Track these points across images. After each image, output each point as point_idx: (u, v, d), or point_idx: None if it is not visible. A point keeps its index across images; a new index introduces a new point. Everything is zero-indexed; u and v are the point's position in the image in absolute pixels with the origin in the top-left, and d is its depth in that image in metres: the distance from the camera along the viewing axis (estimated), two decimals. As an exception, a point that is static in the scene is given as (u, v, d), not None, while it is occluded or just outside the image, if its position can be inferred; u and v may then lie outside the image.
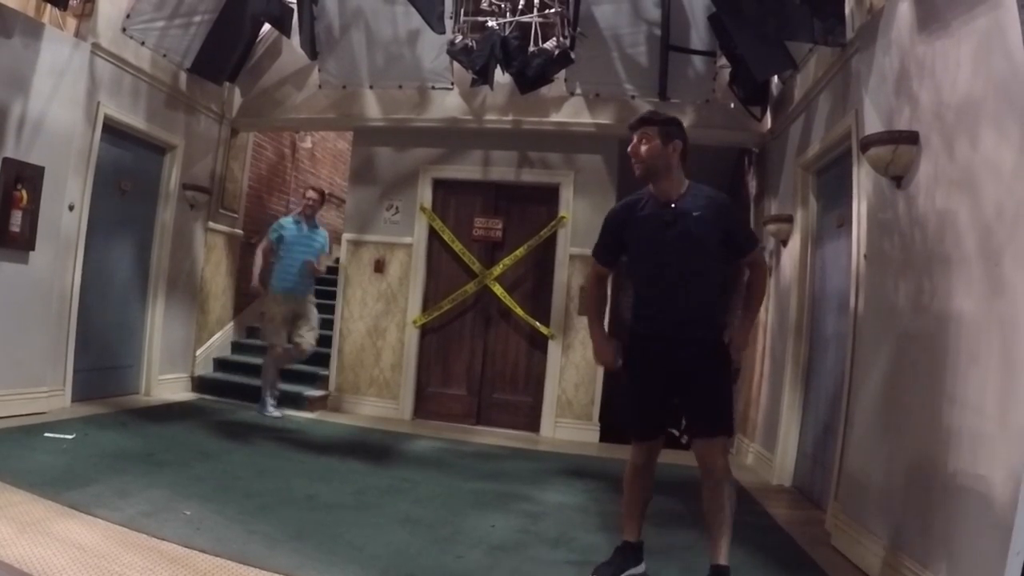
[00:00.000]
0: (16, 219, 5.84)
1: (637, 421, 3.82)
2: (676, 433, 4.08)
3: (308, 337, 7.66)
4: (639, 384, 3.77)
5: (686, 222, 3.59)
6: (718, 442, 3.60)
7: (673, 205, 3.65)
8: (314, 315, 7.79)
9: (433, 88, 8.04)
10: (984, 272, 3.20)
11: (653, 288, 3.72)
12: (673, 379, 3.65)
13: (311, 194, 7.92)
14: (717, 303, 3.74)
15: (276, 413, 7.68)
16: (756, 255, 3.85)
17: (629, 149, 3.73)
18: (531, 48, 6.82)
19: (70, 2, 6.14)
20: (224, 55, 7.75)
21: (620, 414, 3.99)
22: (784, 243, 6.76)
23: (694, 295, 3.63)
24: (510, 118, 8.17)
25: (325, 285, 10.43)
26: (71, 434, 5.62)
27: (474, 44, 6.90)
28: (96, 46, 6.59)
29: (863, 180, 4.83)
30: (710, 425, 3.62)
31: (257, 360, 9.10)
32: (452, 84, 7.90)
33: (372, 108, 8.51)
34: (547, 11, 6.85)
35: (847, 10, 5.25)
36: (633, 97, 7.49)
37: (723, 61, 7.09)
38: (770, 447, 6.50)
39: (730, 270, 3.88)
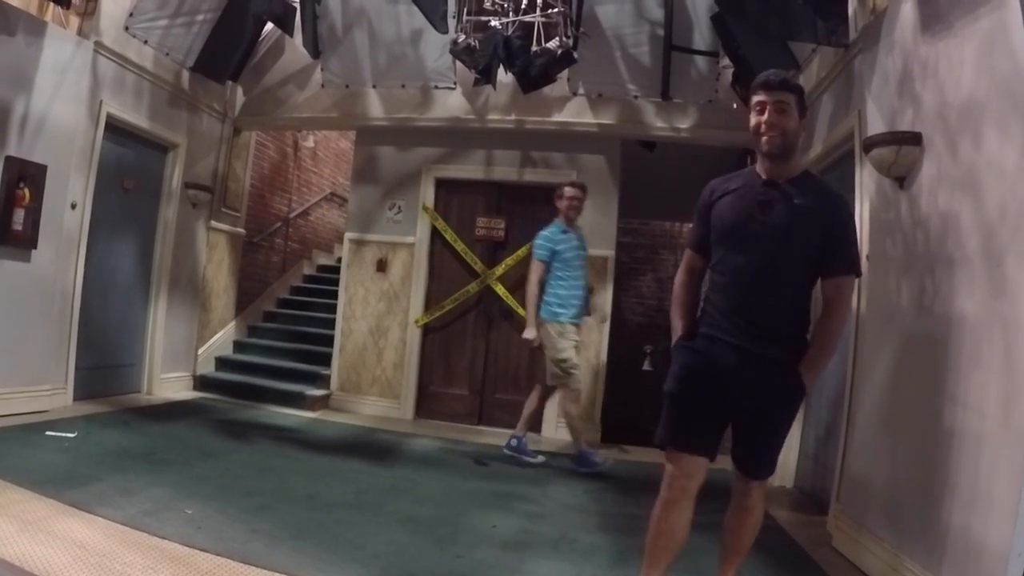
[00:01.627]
0: (19, 217, 5.85)
1: (675, 422, 3.07)
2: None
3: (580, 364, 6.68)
4: (688, 379, 3.09)
5: (784, 208, 2.97)
6: (760, 484, 3.16)
7: (776, 184, 3.04)
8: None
9: (436, 88, 8.05)
10: (986, 273, 3.19)
11: (727, 280, 3.08)
12: (732, 397, 3.00)
13: (571, 191, 6.60)
14: (800, 324, 3.09)
15: (539, 459, 6.58)
16: (843, 285, 3.05)
17: (764, 118, 3.02)
18: (534, 48, 6.81)
19: (73, 0, 6.14)
20: (227, 54, 7.75)
21: (665, 416, 3.09)
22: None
23: (776, 302, 3.01)
24: (513, 118, 8.16)
25: (326, 284, 10.48)
26: (73, 433, 5.62)
27: (477, 44, 6.89)
28: (99, 44, 6.60)
29: (866, 181, 4.83)
30: (757, 468, 3.13)
31: (259, 359, 9.15)
32: (455, 84, 7.91)
33: (375, 107, 8.50)
34: (550, 11, 6.83)
35: (850, 10, 5.25)
36: (636, 97, 7.51)
37: (726, 61, 7.08)
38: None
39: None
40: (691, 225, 3.34)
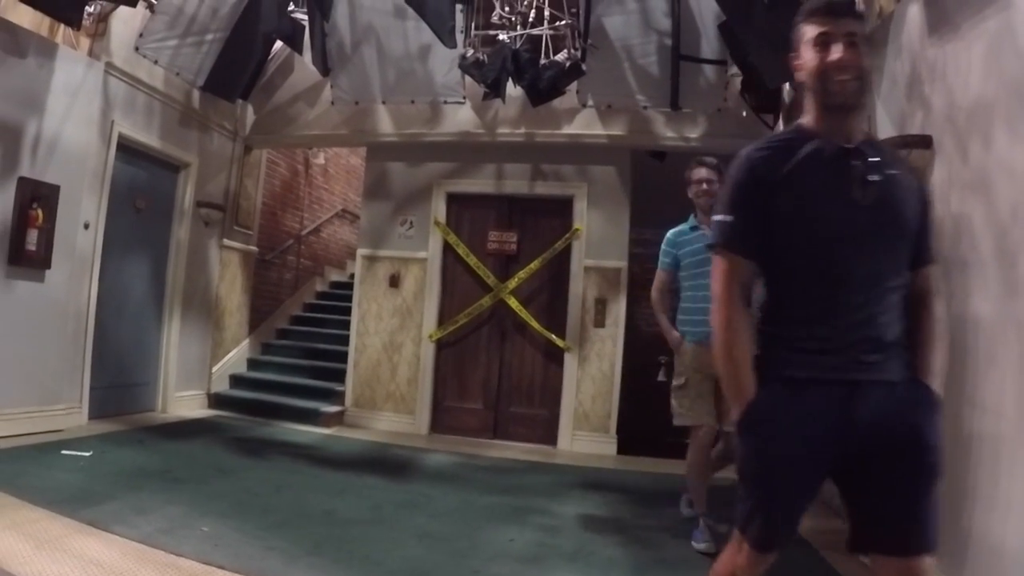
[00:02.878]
0: (32, 238, 5.88)
1: (768, 516, 2.21)
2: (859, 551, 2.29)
3: None
4: (780, 458, 2.17)
5: (882, 183, 2.18)
6: (931, 562, 2.13)
7: (859, 150, 2.22)
8: None
9: (445, 103, 8.07)
10: (1000, 273, 3.18)
11: (824, 292, 2.19)
12: (846, 453, 2.15)
13: (700, 173, 4.90)
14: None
15: (702, 545, 4.49)
16: (934, 274, 2.35)
17: (836, 56, 2.19)
18: (542, 61, 6.82)
19: (83, 22, 6.19)
20: (236, 73, 7.79)
21: (743, 501, 2.24)
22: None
23: (892, 309, 2.20)
24: (522, 131, 8.17)
25: (339, 301, 10.48)
26: (88, 451, 5.63)
27: (485, 58, 6.91)
28: (110, 65, 6.66)
29: (877, 185, 4.81)
30: (929, 534, 2.13)
31: (273, 377, 9.16)
32: (464, 98, 7.94)
33: (385, 124, 8.53)
34: (558, 23, 6.85)
35: (858, 15, 5.24)
36: (645, 107, 7.51)
37: (734, 69, 7.08)
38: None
39: None
40: (719, 218, 2.35)
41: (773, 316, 2.29)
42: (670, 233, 5.07)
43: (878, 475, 2.14)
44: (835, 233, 2.18)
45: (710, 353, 4.25)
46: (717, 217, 2.34)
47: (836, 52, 2.20)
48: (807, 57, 2.28)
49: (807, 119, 2.34)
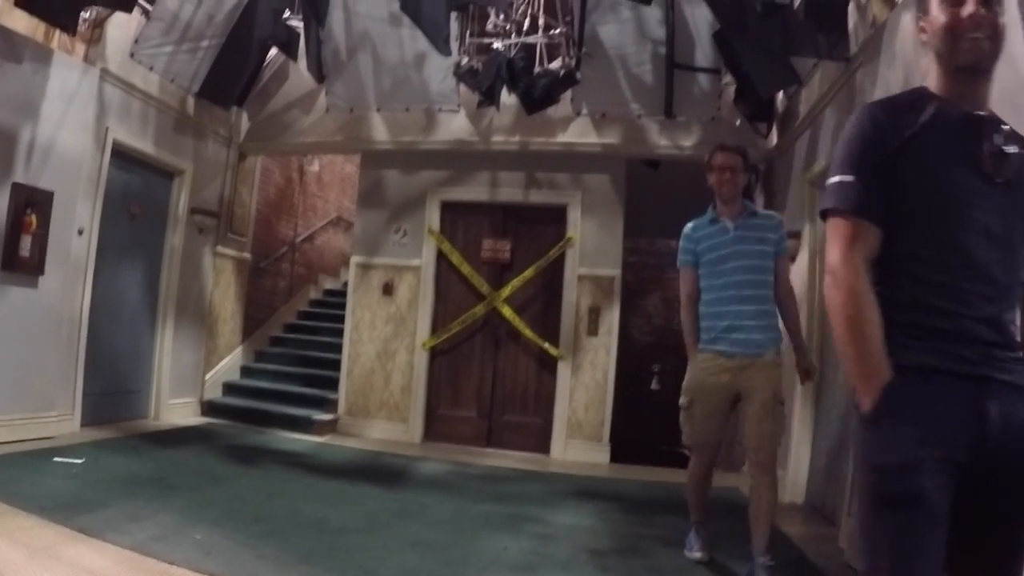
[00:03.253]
0: (26, 244, 5.86)
1: (914, 541, 1.78)
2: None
3: (763, 433, 4.03)
4: (928, 454, 1.76)
5: (1017, 156, 1.91)
6: None
7: (989, 120, 1.95)
8: (770, 391, 4.06)
9: (440, 110, 8.09)
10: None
11: (943, 279, 1.86)
12: (971, 462, 1.77)
13: (721, 158, 4.37)
14: None
15: (696, 554, 4.41)
16: None
17: (969, 10, 1.91)
18: (537, 69, 6.86)
19: (79, 27, 6.18)
20: (231, 79, 7.78)
21: (872, 532, 1.91)
22: (792, 259, 6.73)
23: (1015, 308, 1.93)
24: (517, 139, 8.18)
25: (332, 308, 10.46)
26: (81, 458, 5.60)
27: (480, 66, 6.94)
28: (105, 71, 6.65)
29: (871, 195, 4.80)
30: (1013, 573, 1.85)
31: (266, 385, 9.15)
32: (459, 106, 7.95)
33: (379, 131, 8.54)
34: (552, 32, 6.88)
35: (850, 24, 5.27)
36: (639, 116, 7.53)
37: (728, 78, 7.11)
38: (782, 463, 6.45)
39: None
40: (838, 178, 1.96)
41: (884, 300, 1.89)
42: (688, 227, 4.47)
43: (986, 496, 1.80)
44: (962, 208, 1.88)
45: (730, 362, 4.13)
46: (834, 179, 1.97)
47: (970, 7, 1.91)
48: (936, 14, 1.98)
49: (929, 82, 2.05)
